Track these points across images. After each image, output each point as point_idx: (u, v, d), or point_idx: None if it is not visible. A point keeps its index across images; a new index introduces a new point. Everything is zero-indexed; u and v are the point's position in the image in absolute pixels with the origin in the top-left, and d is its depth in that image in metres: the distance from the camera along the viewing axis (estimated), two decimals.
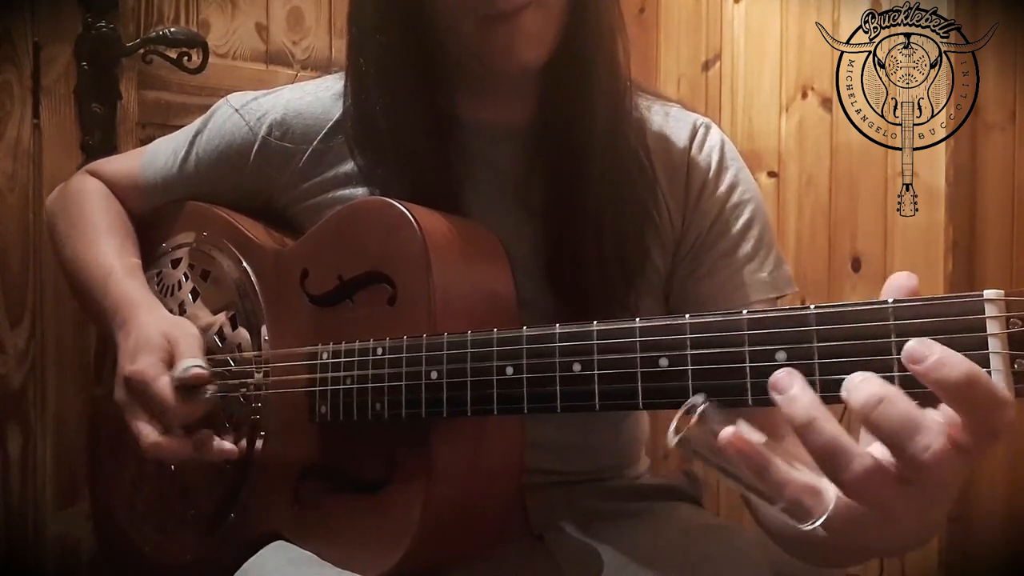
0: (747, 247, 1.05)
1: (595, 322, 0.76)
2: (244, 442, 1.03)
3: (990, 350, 0.56)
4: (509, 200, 1.05)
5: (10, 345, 1.43)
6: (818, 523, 0.59)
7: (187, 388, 0.97)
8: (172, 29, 1.51)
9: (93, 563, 1.49)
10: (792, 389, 0.59)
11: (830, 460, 0.57)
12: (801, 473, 0.60)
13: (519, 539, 1.06)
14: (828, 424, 0.58)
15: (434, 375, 0.85)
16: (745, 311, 0.67)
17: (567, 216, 1.02)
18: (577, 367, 0.76)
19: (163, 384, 0.97)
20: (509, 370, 0.80)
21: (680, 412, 0.60)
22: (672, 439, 0.60)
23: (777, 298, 1.06)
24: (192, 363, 0.98)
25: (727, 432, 0.59)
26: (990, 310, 0.56)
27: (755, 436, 0.59)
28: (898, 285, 0.63)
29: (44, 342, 1.46)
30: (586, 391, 0.75)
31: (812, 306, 0.64)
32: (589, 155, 1.01)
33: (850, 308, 0.62)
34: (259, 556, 0.99)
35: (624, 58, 1.04)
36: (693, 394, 0.69)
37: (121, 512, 1.19)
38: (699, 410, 0.60)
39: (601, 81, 1.01)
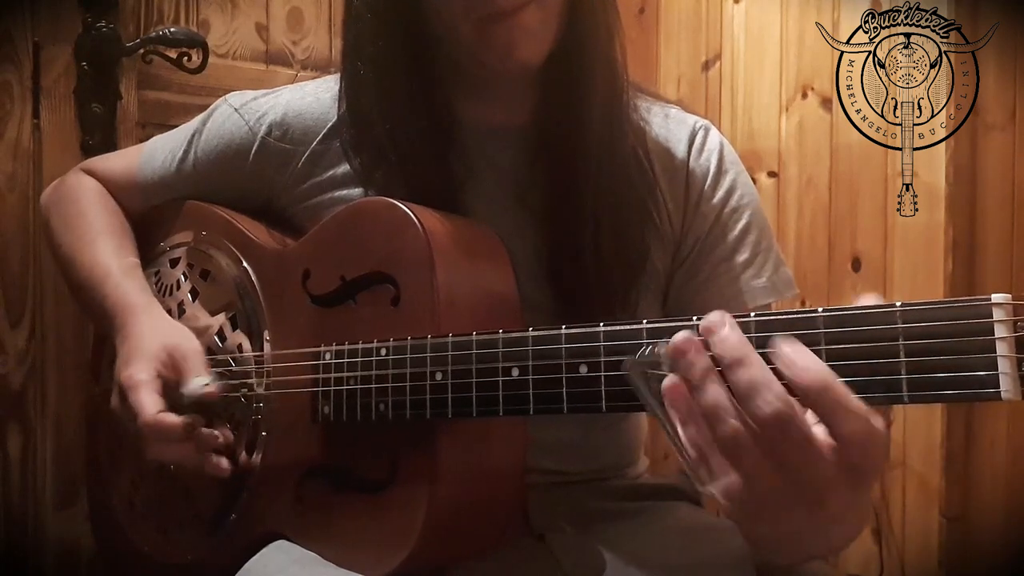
0: (745, 253, 1.06)
1: (602, 324, 0.76)
2: (244, 443, 1.03)
3: (998, 353, 0.56)
4: (509, 200, 1.05)
5: (10, 345, 1.43)
6: (717, 487, 0.62)
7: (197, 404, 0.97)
8: (172, 29, 1.51)
9: (93, 563, 1.49)
10: (723, 329, 0.62)
11: (755, 394, 0.60)
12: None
13: (520, 539, 1.06)
14: (757, 359, 0.61)
15: (439, 376, 0.85)
16: (753, 314, 0.67)
17: (567, 216, 1.02)
18: (584, 368, 0.76)
19: (144, 393, 0.96)
20: (515, 371, 0.80)
21: (644, 348, 0.66)
22: (626, 364, 0.66)
23: (778, 301, 1.06)
24: (203, 380, 0.98)
25: (671, 378, 0.63)
26: (998, 314, 0.57)
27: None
28: None
29: (44, 342, 1.46)
30: (593, 392, 0.75)
31: (820, 309, 0.64)
32: (587, 154, 1.01)
33: (858, 311, 0.62)
34: (261, 556, 0.99)
35: (622, 57, 1.04)
36: None
37: (121, 512, 1.19)
38: (656, 348, 0.65)
39: (599, 80, 1.01)
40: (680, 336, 0.63)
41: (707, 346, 0.62)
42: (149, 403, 0.95)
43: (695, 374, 0.62)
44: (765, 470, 0.61)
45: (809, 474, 0.60)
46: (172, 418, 0.95)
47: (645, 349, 0.66)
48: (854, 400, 0.59)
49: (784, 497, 0.61)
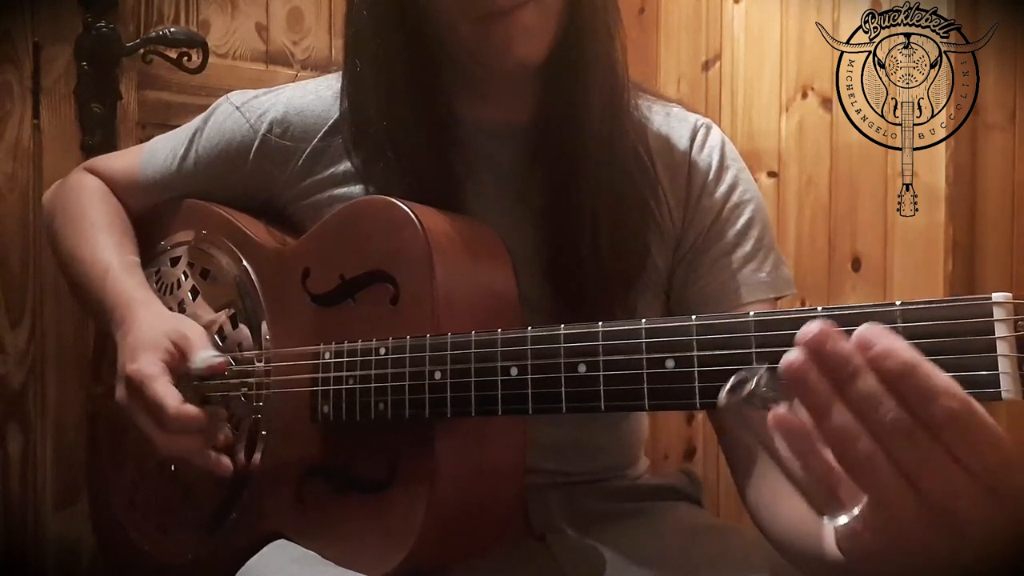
0: (747, 247, 1.05)
1: (600, 323, 0.76)
2: (244, 442, 1.03)
3: (998, 353, 0.56)
4: (509, 199, 1.05)
5: (10, 345, 1.43)
6: (849, 517, 0.56)
7: (201, 382, 0.98)
8: (172, 29, 1.51)
9: (93, 563, 1.49)
10: (835, 342, 0.53)
11: (877, 404, 0.53)
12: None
13: (520, 540, 1.06)
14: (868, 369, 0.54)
15: (438, 375, 0.85)
16: (752, 312, 0.67)
17: (566, 214, 1.02)
18: (583, 368, 0.76)
19: (161, 385, 0.96)
20: (514, 371, 0.80)
21: (735, 378, 0.57)
22: (722, 400, 0.57)
23: (776, 299, 1.06)
24: (210, 354, 0.99)
25: (777, 413, 0.55)
26: (998, 313, 0.56)
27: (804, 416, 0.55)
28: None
29: (44, 342, 1.45)
30: (592, 392, 0.75)
31: (819, 308, 0.64)
32: (588, 153, 1.01)
33: (858, 310, 0.62)
34: (261, 555, 0.99)
35: (622, 55, 1.04)
36: (700, 394, 0.69)
37: (121, 511, 1.19)
38: (755, 379, 0.56)
39: (599, 78, 1.01)
40: (793, 359, 0.54)
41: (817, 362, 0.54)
42: (170, 395, 0.96)
43: (820, 400, 0.54)
44: (898, 486, 0.54)
45: (938, 481, 0.54)
46: (195, 409, 0.96)
47: (742, 378, 0.57)
48: (945, 378, 0.53)
49: (915, 513, 0.55)
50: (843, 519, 0.56)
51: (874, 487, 0.54)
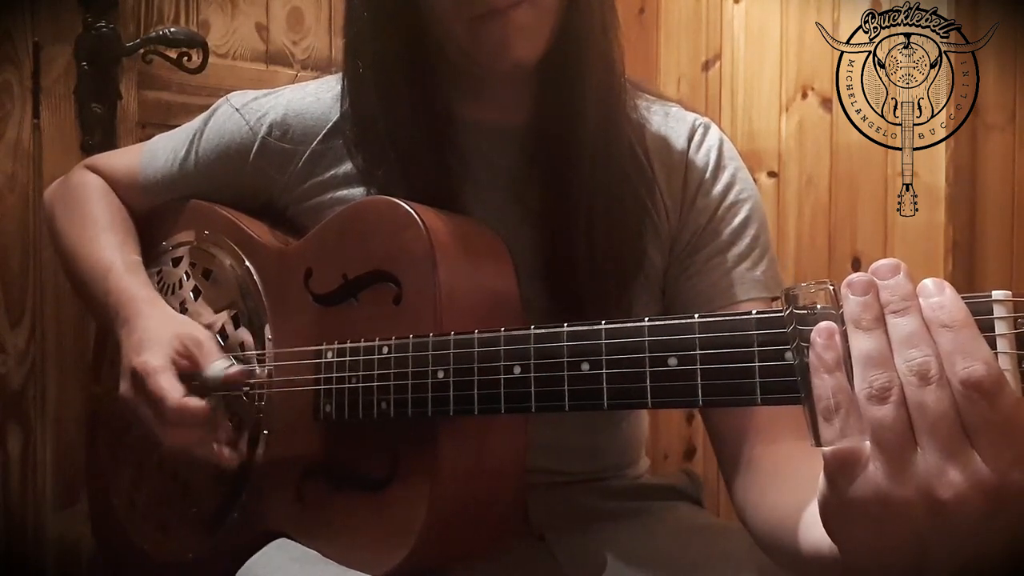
0: (741, 246, 1.05)
1: (603, 321, 0.76)
2: (246, 441, 1.03)
3: (998, 350, 0.56)
4: (507, 199, 1.05)
5: (10, 345, 1.43)
6: (835, 446, 0.56)
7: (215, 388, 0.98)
8: (172, 29, 1.51)
9: (93, 563, 1.49)
10: (898, 275, 0.57)
11: (912, 344, 0.55)
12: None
13: (521, 539, 1.06)
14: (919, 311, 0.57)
15: (441, 374, 0.85)
16: (754, 311, 0.67)
17: (563, 215, 1.02)
18: (585, 366, 0.76)
19: (165, 379, 0.97)
20: (517, 369, 0.80)
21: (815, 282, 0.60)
22: (790, 285, 0.60)
23: (773, 299, 1.05)
24: (226, 363, 1.00)
25: (827, 325, 0.58)
26: (998, 310, 0.56)
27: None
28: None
29: (44, 342, 1.46)
30: (594, 390, 0.75)
31: (818, 306, 0.64)
32: (584, 154, 1.01)
33: None
34: (262, 554, 0.99)
35: (619, 56, 1.04)
36: (702, 392, 0.69)
37: (121, 511, 1.19)
38: (829, 287, 0.59)
39: (596, 79, 1.01)
40: (859, 276, 0.58)
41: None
42: (172, 388, 0.96)
43: (865, 317, 0.57)
44: (903, 431, 0.55)
45: (940, 442, 0.54)
46: (197, 402, 0.96)
47: (808, 287, 0.60)
48: (986, 350, 0.54)
49: (908, 473, 0.55)
50: (836, 445, 0.57)
51: (879, 424, 0.55)
